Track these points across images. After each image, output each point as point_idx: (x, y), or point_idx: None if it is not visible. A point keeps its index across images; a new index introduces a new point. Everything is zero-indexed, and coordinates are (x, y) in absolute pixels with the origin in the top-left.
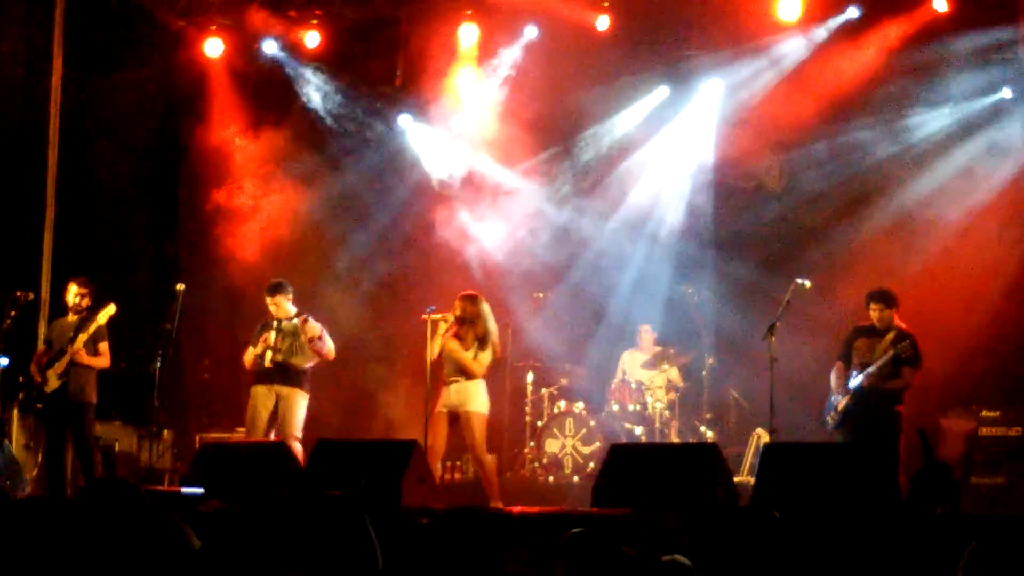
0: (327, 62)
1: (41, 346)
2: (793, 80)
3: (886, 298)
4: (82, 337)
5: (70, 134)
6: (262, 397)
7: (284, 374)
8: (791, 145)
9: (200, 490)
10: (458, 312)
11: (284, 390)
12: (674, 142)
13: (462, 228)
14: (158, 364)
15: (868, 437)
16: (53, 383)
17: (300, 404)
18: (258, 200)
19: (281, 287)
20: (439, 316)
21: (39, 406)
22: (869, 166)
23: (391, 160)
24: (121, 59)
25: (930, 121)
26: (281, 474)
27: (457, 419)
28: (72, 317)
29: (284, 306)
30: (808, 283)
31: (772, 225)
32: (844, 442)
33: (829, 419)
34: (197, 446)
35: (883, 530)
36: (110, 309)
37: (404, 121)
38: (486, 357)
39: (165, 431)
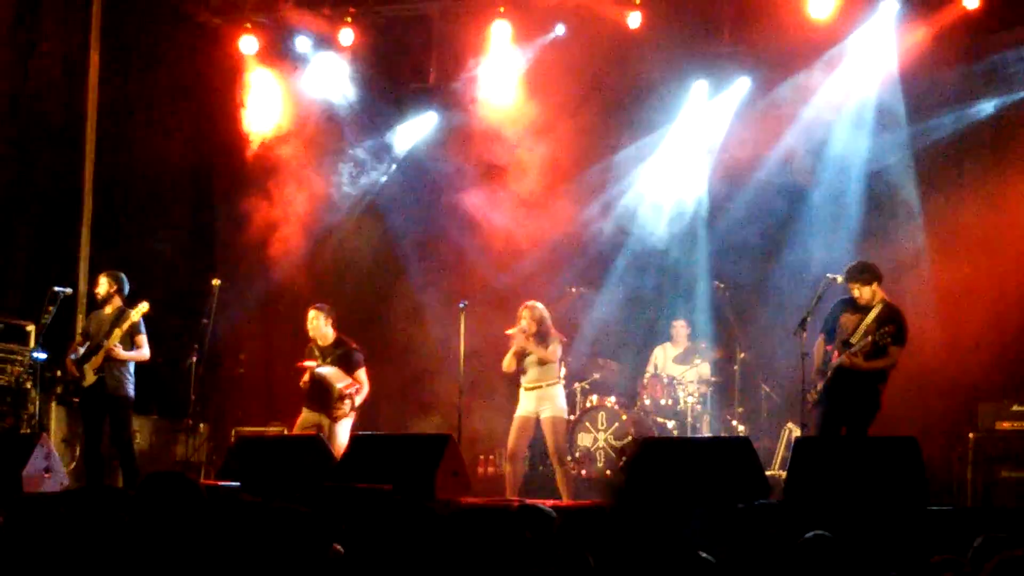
0: (361, 59)
1: (78, 338)
2: (826, 75)
3: (863, 275)
4: (117, 332)
5: (107, 131)
6: (306, 417)
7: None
8: (824, 140)
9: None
10: (534, 329)
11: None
12: (707, 137)
13: (495, 224)
14: (194, 359)
15: (843, 416)
16: (90, 377)
17: (345, 429)
18: (293, 196)
19: (320, 306)
20: (514, 330)
21: (75, 400)
22: (905, 162)
23: (425, 156)
24: (157, 57)
25: (967, 116)
26: (316, 467)
27: (536, 423)
28: (108, 310)
29: (319, 325)
30: (840, 277)
31: (805, 219)
32: (876, 437)
33: (809, 397)
34: (233, 440)
35: (912, 525)
36: (143, 307)
37: (437, 117)
38: (556, 349)
39: (201, 425)
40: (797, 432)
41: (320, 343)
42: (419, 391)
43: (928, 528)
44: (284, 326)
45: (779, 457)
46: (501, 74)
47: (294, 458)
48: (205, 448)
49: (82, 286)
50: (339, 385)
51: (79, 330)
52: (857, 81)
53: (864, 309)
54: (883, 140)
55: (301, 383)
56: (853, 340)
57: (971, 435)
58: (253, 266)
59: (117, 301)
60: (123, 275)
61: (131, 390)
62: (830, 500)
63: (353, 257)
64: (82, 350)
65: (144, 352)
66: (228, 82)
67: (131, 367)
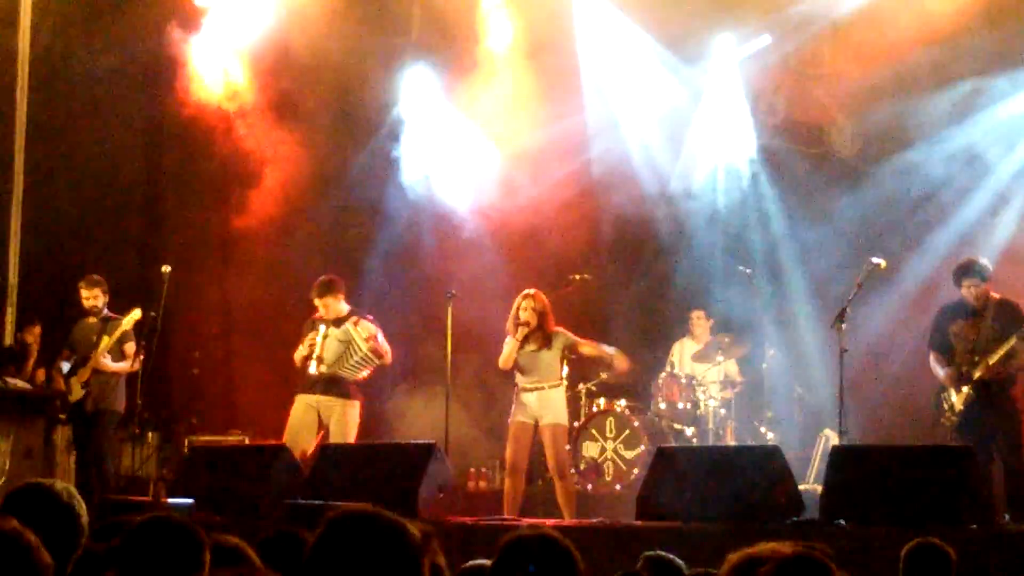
0: (333, 11)
1: (65, 351)
2: (863, 35)
3: (981, 271)
4: (106, 341)
5: (42, 95)
6: (304, 408)
7: (332, 384)
8: (865, 106)
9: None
10: (534, 321)
11: (332, 402)
12: (725, 105)
13: (483, 201)
14: (141, 357)
15: (995, 434)
16: (77, 392)
17: (353, 417)
18: (254, 171)
19: (330, 287)
20: (522, 325)
21: (63, 416)
22: (955, 133)
23: (402, 124)
24: (100, 7)
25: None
26: (281, 481)
27: (536, 430)
28: (93, 319)
29: (334, 307)
30: (883, 262)
31: (842, 196)
32: (926, 446)
33: (945, 420)
34: (186, 450)
35: (970, 543)
36: (135, 314)
37: (419, 78)
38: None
39: (150, 433)
40: (835, 440)
41: (329, 318)
42: (398, 393)
43: (991, 549)
44: (245, 319)
45: (814, 468)
46: (496, 29)
47: (257, 471)
48: (154, 460)
49: (12, 275)
50: (357, 332)
51: (10, 331)
52: (901, 35)
53: (976, 312)
54: (943, 108)
55: (299, 359)
56: (978, 345)
57: None
58: (209, 251)
59: (105, 310)
60: (103, 280)
61: (119, 403)
62: (873, 517)
63: (324, 238)
64: (66, 364)
65: (128, 364)
66: (181, 38)
67: (119, 379)
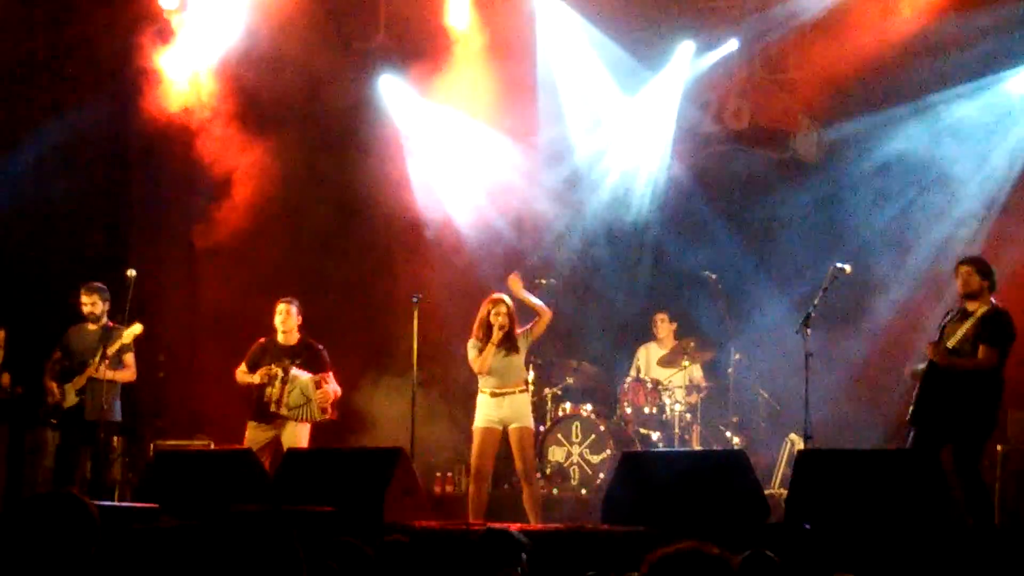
0: (299, 14)
1: (56, 353)
2: (831, 39)
3: (977, 262)
4: (107, 351)
5: (3, 98)
6: (259, 434)
7: (285, 418)
8: (831, 111)
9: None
10: (507, 324)
11: (288, 425)
12: (692, 105)
13: (447, 207)
14: (106, 362)
15: (945, 432)
16: (71, 398)
17: (305, 430)
18: (220, 171)
19: (294, 300)
20: (500, 329)
21: (53, 421)
22: (919, 138)
23: (367, 128)
24: (65, 8)
25: (987, 92)
26: (247, 486)
27: (503, 435)
28: (92, 326)
29: (291, 321)
30: (848, 267)
31: (809, 201)
32: (890, 449)
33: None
34: (151, 455)
35: (935, 548)
36: (136, 328)
37: (386, 82)
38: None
39: (114, 438)
40: (800, 444)
41: (283, 341)
42: (365, 397)
43: (954, 553)
44: (211, 323)
45: (779, 473)
46: (463, 33)
47: (222, 476)
48: (119, 465)
49: None
50: (317, 396)
51: None
52: (867, 42)
53: (968, 314)
54: (908, 114)
55: (250, 382)
56: (950, 343)
57: (999, 447)
58: (174, 254)
59: (104, 317)
60: (104, 287)
61: (117, 413)
62: (838, 522)
63: (291, 242)
64: (59, 368)
65: (129, 373)
66: (145, 39)
67: (117, 388)
